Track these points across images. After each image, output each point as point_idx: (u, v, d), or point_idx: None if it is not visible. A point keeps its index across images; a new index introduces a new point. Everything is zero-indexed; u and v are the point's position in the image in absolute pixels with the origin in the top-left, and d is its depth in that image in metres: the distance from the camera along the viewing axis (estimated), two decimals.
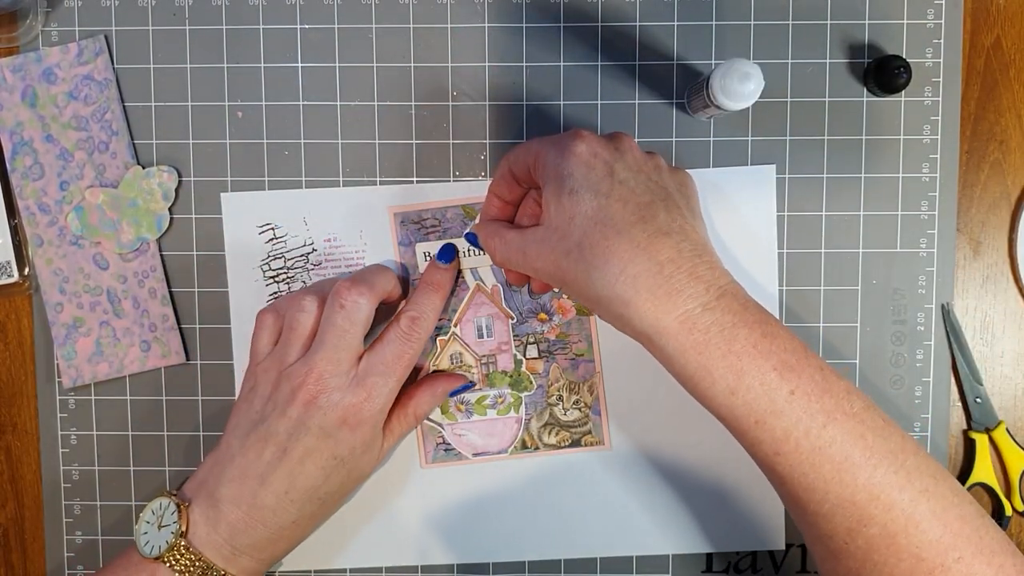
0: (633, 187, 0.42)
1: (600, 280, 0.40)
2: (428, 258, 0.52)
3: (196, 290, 0.54)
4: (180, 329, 0.54)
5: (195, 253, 0.54)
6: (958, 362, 0.54)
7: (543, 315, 0.53)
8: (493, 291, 0.52)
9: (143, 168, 0.53)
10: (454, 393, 0.52)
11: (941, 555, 0.38)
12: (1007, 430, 0.54)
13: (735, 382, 0.39)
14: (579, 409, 0.53)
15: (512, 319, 0.53)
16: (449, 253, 0.51)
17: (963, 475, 0.54)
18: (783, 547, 0.54)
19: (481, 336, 0.53)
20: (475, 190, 0.53)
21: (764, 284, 0.53)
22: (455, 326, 0.53)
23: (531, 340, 0.53)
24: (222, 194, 0.53)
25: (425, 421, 0.53)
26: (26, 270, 0.54)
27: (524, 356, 0.53)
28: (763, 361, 0.39)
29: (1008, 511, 0.54)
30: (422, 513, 0.54)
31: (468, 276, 0.52)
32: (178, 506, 0.45)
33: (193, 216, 0.54)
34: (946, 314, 0.53)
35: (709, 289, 0.40)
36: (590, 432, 0.53)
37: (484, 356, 0.53)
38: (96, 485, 0.55)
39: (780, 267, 0.53)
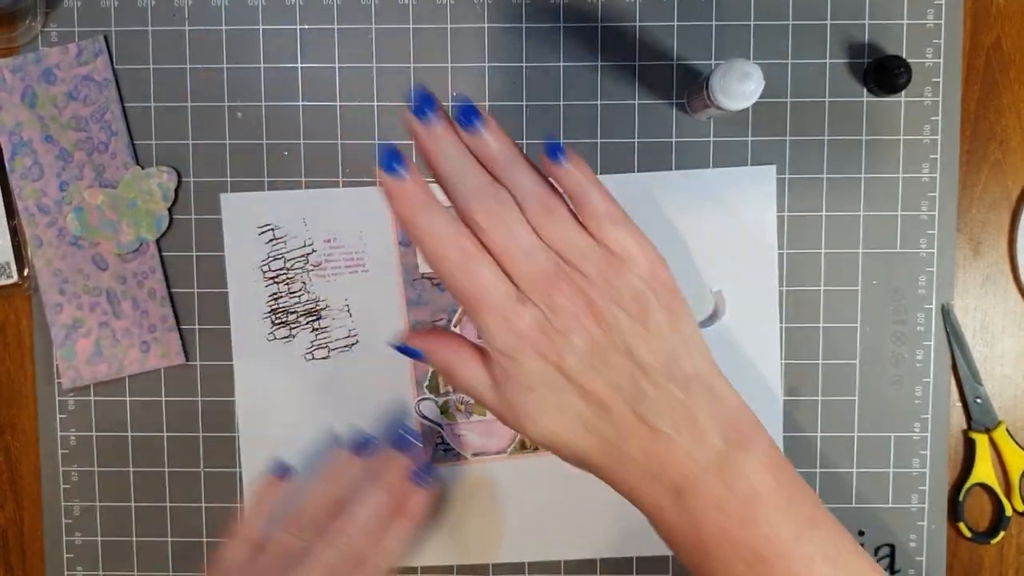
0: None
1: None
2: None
3: (196, 291, 0.54)
4: (180, 330, 0.54)
5: (195, 254, 0.54)
6: (958, 362, 0.54)
7: None
8: None
9: (142, 169, 0.53)
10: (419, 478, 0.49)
11: None
12: (1007, 430, 0.54)
13: None
14: None
15: None
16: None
17: (963, 475, 0.54)
18: None
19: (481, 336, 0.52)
20: None
21: (764, 284, 0.53)
22: (455, 326, 0.52)
23: None
24: (222, 195, 0.53)
25: (424, 421, 0.53)
26: (25, 271, 0.54)
27: None
28: None
29: (1008, 511, 0.54)
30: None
31: None
32: None
33: (193, 217, 0.54)
34: (946, 314, 0.53)
35: None
36: None
37: None
38: (95, 486, 0.55)
39: (780, 267, 0.53)
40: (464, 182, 0.36)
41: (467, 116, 0.37)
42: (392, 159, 0.36)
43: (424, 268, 0.52)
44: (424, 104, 0.37)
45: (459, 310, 0.52)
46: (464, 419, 0.53)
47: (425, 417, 0.53)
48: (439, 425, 0.53)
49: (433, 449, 0.53)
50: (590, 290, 0.36)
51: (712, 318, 0.53)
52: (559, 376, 0.36)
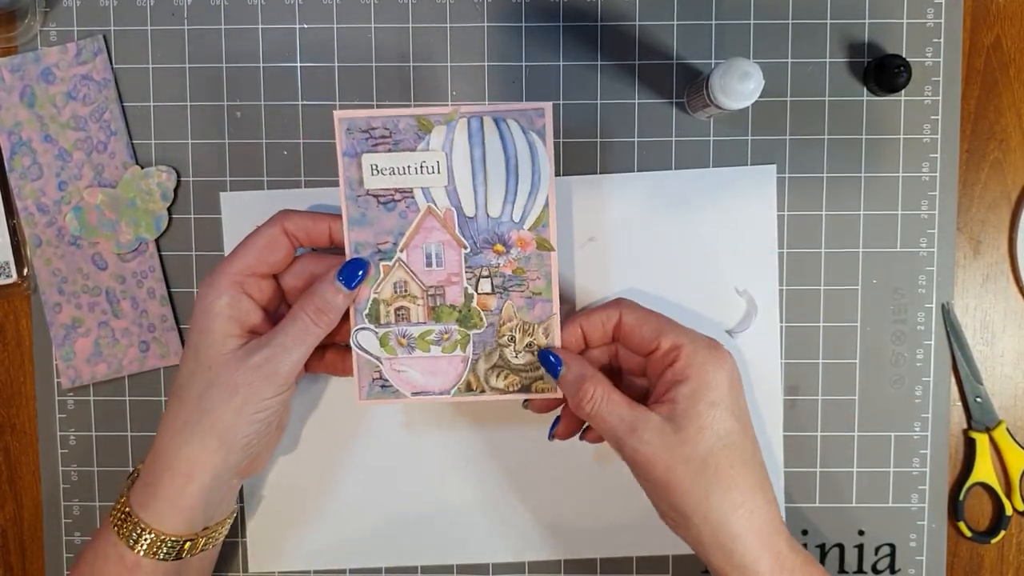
0: (749, 420, 0.44)
1: (718, 504, 0.42)
2: (374, 171, 0.47)
3: (195, 290, 0.54)
4: (179, 329, 0.54)
5: (194, 253, 0.54)
6: (958, 361, 0.54)
7: (500, 247, 0.47)
8: (446, 216, 0.47)
9: (142, 168, 0.53)
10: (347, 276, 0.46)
11: None
12: (1007, 429, 0.54)
13: None
14: (532, 352, 0.48)
15: (465, 248, 0.47)
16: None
17: (963, 475, 0.54)
18: None
19: (430, 264, 0.47)
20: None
21: (764, 284, 0.53)
22: (401, 251, 0.47)
23: (484, 273, 0.48)
24: (221, 194, 0.53)
25: (361, 354, 0.48)
26: (25, 270, 0.54)
27: (476, 290, 0.48)
28: None
29: (1008, 511, 0.54)
30: (422, 513, 0.54)
31: (419, 196, 0.47)
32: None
33: (192, 216, 0.54)
34: (946, 313, 0.53)
35: (785, 527, 0.44)
36: (541, 378, 0.48)
37: (431, 287, 0.48)
38: (95, 486, 0.55)
39: (780, 267, 0.53)
40: None
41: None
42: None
43: (370, 184, 0.47)
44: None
45: (407, 235, 0.47)
46: (406, 354, 0.48)
47: (363, 348, 0.48)
48: (378, 359, 0.48)
49: (369, 384, 0.48)
50: None
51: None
52: None
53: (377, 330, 0.48)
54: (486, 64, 0.53)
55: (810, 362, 0.54)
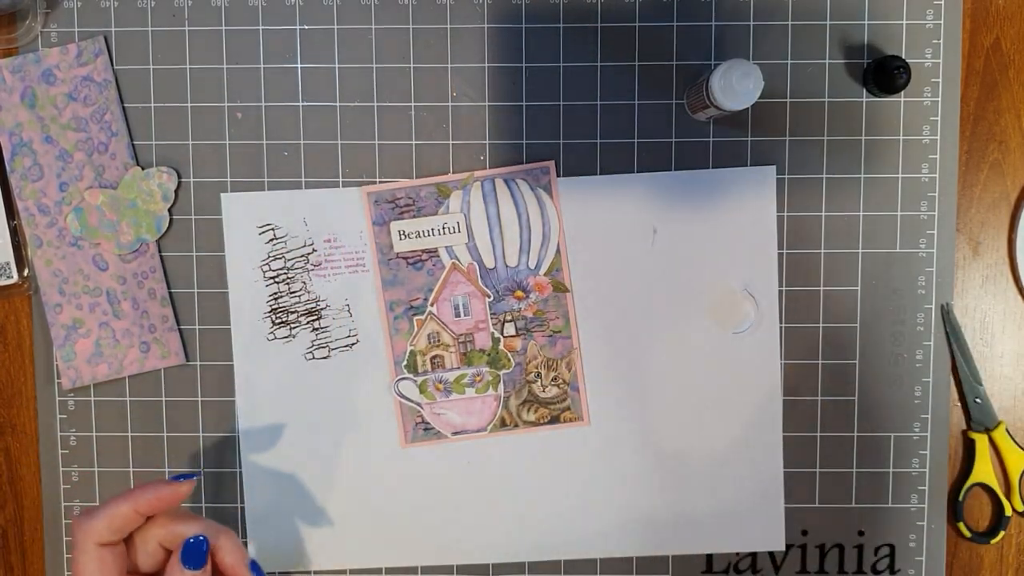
0: None
1: None
2: (402, 236, 0.52)
3: (196, 291, 0.54)
4: (180, 330, 0.54)
5: (195, 254, 0.54)
6: (958, 362, 0.54)
7: (520, 292, 0.53)
8: (469, 269, 0.53)
9: (142, 169, 0.53)
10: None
11: None
12: (1007, 430, 0.54)
13: None
14: (557, 386, 0.53)
15: (489, 297, 0.53)
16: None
17: (963, 475, 0.54)
18: (783, 547, 0.54)
19: (458, 315, 0.53)
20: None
21: (764, 284, 0.53)
22: (431, 305, 0.53)
23: (508, 318, 0.53)
24: (222, 195, 0.53)
25: (403, 401, 0.53)
26: (25, 271, 0.54)
27: (502, 334, 0.53)
28: None
29: (1008, 511, 0.54)
30: (422, 513, 0.54)
31: (444, 254, 0.53)
32: None
33: (193, 217, 0.54)
34: (946, 314, 0.53)
35: None
36: (569, 408, 0.53)
37: (461, 335, 0.53)
38: (95, 486, 0.55)
39: (780, 267, 0.53)
40: None
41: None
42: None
43: (399, 248, 0.52)
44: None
45: (435, 290, 0.53)
46: (443, 398, 0.53)
47: (404, 396, 0.53)
48: (419, 404, 0.54)
49: (412, 428, 0.54)
50: None
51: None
52: None
53: (416, 378, 0.53)
54: (487, 65, 0.53)
55: (810, 362, 0.54)
